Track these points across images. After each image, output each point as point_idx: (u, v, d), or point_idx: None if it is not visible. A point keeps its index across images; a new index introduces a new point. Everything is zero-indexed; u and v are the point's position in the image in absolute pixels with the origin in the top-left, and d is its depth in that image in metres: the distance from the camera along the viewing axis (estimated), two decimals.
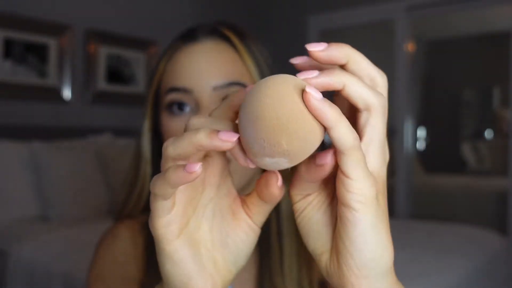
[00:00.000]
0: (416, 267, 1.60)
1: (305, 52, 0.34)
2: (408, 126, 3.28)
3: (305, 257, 0.67)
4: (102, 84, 2.89)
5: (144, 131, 0.68)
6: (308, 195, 0.36)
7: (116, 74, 2.97)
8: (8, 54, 2.47)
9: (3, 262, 1.94)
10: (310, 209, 0.36)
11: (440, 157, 5.44)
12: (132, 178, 0.70)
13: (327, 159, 0.31)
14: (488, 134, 5.70)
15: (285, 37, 3.69)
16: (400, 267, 1.68)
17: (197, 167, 0.29)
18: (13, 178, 2.26)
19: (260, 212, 0.36)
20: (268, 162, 0.30)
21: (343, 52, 0.34)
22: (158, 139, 0.69)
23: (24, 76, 2.54)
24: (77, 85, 2.78)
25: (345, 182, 0.31)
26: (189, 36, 0.66)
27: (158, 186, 0.31)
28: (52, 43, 2.64)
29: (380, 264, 0.33)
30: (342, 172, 0.31)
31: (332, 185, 0.35)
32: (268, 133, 0.28)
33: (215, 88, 0.62)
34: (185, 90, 0.62)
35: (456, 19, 4.82)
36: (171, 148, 0.31)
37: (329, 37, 3.89)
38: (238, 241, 0.36)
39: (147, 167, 0.68)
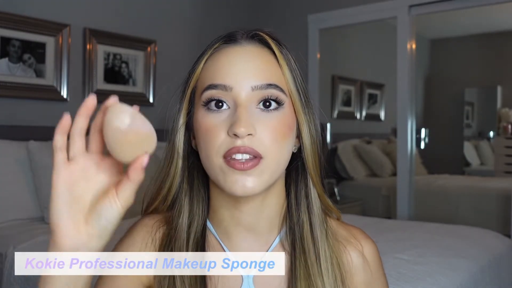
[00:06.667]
0: (419, 268, 1.57)
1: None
2: (410, 126, 3.24)
3: (336, 256, 0.71)
4: (100, 83, 2.87)
5: (179, 126, 0.71)
6: None
7: (114, 74, 2.95)
8: (5, 53, 2.45)
9: None
10: None
11: (442, 157, 5.41)
12: (164, 172, 0.72)
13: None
14: (491, 134, 5.67)
15: (285, 36, 3.66)
16: (404, 268, 1.65)
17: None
18: (10, 179, 2.23)
19: (125, 190, 0.51)
20: None
21: None
22: (189, 135, 0.72)
23: (21, 75, 2.52)
24: (74, 85, 2.75)
25: None
26: (229, 39, 0.68)
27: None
28: (49, 42, 2.62)
29: None
30: None
31: None
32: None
33: (254, 88, 0.64)
34: (224, 88, 0.64)
35: (459, 17, 4.79)
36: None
37: (330, 35, 3.87)
38: (104, 209, 0.51)
39: (179, 162, 0.71)
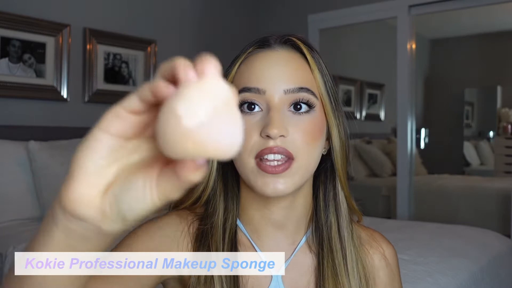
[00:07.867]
0: (419, 268, 1.57)
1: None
2: (410, 126, 3.24)
3: (360, 256, 0.74)
4: (100, 83, 2.87)
5: None
6: None
7: (114, 74, 2.95)
8: (5, 53, 2.45)
9: None
10: None
11: (442, 157, 5.41)
12: None
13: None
14: (491, 134, 5.67)
15: None
16: (404, 268, 1.65)
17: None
18: (10, 179, 2.23)
19: (167, 188, 0.35)
20: None
21: None
22: None
23: (21, 75, 2.52)
24: (74, 85, 2.75)
25: None
26: (263, 44, 0.71)
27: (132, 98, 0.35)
28: (49, 42, 2.62)
29: None
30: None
31: None
32: None
33: (286, 91, 0.66)
34: (258, 91, 0.67)
35: (459, 17, 4.79)
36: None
37: (330, 35, 3.87)
38: (131, 191, 0.35)
39: (214, 163, 0.72)
